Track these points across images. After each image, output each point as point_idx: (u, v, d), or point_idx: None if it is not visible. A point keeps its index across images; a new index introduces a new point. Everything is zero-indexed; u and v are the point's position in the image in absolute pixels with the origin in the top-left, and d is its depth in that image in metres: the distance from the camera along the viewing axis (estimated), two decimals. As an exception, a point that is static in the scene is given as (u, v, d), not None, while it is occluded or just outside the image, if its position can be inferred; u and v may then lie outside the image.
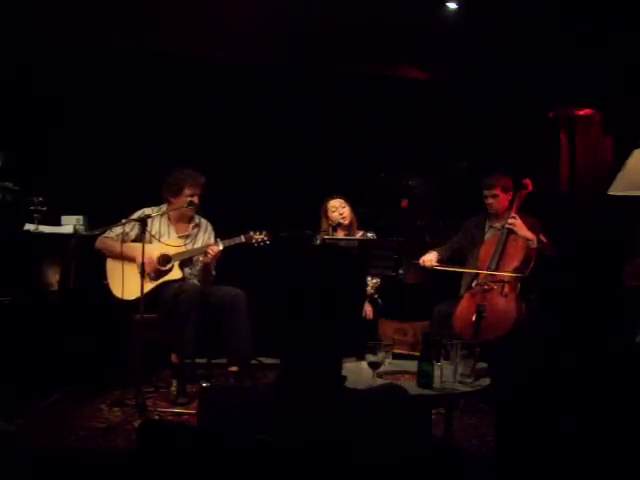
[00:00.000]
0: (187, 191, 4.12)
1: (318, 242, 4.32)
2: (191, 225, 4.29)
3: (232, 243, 4.13)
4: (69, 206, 4.37)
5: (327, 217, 4.55)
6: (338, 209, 4.52)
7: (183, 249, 4.16)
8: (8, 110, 4.56)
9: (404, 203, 5.39)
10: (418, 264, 4.34)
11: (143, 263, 3.67)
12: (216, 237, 4.26)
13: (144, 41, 4.91)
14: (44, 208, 4.15)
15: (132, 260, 3.88)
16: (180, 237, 4.22)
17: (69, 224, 4.29)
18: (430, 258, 4.31)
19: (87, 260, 4.19)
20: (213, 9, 4.53)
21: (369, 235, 4.53)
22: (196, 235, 4.29)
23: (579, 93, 5.14)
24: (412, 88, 5.54)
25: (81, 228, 4.30)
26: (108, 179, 4.80)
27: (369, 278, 4.37)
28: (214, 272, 4.24)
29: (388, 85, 5.48)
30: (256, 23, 4.63)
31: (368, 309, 4.35)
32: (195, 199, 4.13)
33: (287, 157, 5.29)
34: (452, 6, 4.71)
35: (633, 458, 2.41)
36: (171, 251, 4.10)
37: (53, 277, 4.08)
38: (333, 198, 4.55)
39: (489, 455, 3.12)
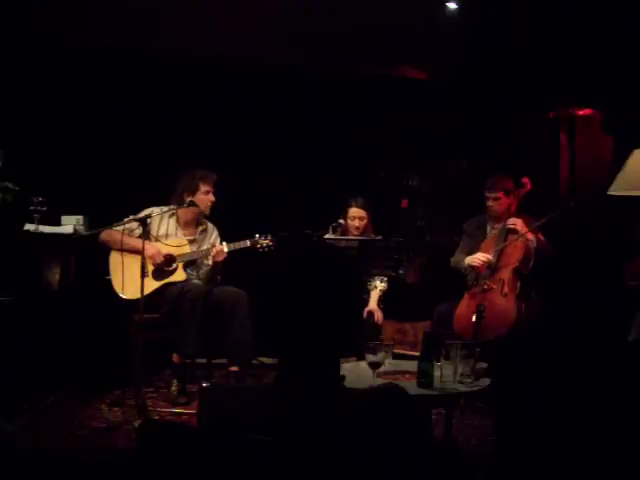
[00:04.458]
0: (203, 188, 4.12)
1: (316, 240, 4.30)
2: (199, 229, 4.28)
3: (237, 247, 4.12)
4: (69, 206, 4.37)
5: (346, 219, 4.47)
6: (356, 220, 4.45)
7: (187, 250, 4.15)
8: (8, 110, 4.56)
9: (404, 203, 5.38)
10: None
11: (143, 265, 3.66)
12: (221, 242, 4.23)
13: (145, 41, 4.91)
14: (44, 208, 4.15)
15: (135, 252, 3.82)
16: (186, 239, 4.20)
17: (69, 224, 4.28)
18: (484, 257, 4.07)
19: (87, 260, 4.19)
20: (216, 10, 4.54)
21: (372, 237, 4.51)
22: (202, 239, 4.28)
23: (579, 93, 5.14)
24: (412, 88, 5.54)
25: (81, 228, 4.29)
26: (108, 179, 4.79)
27: (378, 282, 4.34)
28: (219, 277, 4.23)
29: (388, 85, 5.48)
30: (256, 24, 4.63)
31: (379, 314, 4.31)
32: (211, 196, 4.15)
33: (287, 157, 5.28)
34: (452, 6, 4.72)
35: (632, 457, 2.41)
36: (176, 252, 4.09)
37: (53, 277, 4.08)
38: (356, 207, 4.44)
39: (489, 455, 3.12)
